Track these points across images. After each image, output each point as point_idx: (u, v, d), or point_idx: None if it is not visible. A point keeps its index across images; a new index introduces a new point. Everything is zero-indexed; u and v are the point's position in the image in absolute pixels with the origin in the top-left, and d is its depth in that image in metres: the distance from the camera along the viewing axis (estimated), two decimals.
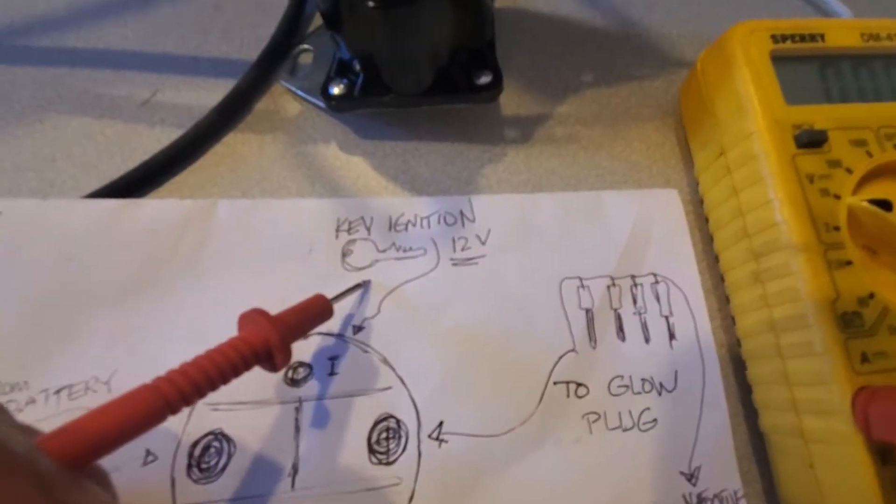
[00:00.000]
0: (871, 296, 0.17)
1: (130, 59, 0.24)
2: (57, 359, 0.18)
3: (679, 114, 0.24)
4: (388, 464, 0.18)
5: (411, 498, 0.18)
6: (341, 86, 0.21)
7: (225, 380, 0.14)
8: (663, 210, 0.22)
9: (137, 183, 0.21)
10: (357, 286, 0.20)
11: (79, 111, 0.23)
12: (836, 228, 0.17)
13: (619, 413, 0.19)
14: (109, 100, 0.23)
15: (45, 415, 0.18)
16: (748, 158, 0.19)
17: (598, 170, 0.23)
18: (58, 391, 0.18)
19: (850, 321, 0.16)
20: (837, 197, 0.18)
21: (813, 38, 0.20)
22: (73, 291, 0.19)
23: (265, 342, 0.15)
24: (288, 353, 0.16)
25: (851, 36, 0.20)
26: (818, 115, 0.19)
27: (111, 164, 0.22)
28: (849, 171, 0.18)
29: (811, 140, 0.18)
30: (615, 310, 0.21)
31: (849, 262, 0.17)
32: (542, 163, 0.23)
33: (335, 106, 0.22)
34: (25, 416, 0.18)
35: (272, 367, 0.16)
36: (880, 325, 0.16)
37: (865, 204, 0.17)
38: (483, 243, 0.22)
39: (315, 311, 0.18)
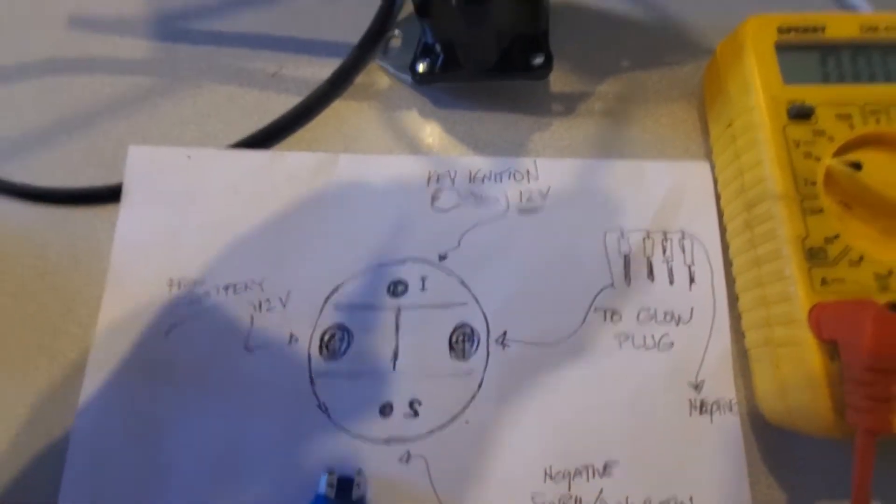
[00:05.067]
0: (836, 236, 0.21)
1: (262, 41, 0.31)
2: (225, 264, 0.26)
3: (702, 95, 0.29)
4: (464, 359, 0.24)
5: (480, 385, 0.24)
6: (425, 64, 0.27)
7: None
8: (695, 179, 0.27)
9: (269, 136, 0.29)
10: None
11: (225, 80, 0.30)
12: (813, 183, 0.22)
13: (644, 336, 0.25)
14: (247, 72, 0.30)
15: (217, 303, 0.25)
16: (749, 128, 0.23)
17: (629, 139, 0.28)
18: (225, 287, 0.25)
19: (815, 254, 0.21)
20: (818, 159, 0.22)
21: (814, 29, 0.24)
22: (237, 216, 0.27)
23: None
24: None
25: (850, 28, 0.24)
26: (811, 94, 0.23)
27: (250, 121, 0.29)
28: (831, 139, 0.22)
29: (800, 112, 0.22)
30: (647, 257, 0.26)
31: (820, 210, 0.21)
32: (582, 132, 0.29)
33: (420, 80, 0.28)
34: (202, 305, 0.25)
35: None
36: (841, 259, 0.21)
37: (839, 164, 0.22)
38: (544, 198, 0.27)
39: None
